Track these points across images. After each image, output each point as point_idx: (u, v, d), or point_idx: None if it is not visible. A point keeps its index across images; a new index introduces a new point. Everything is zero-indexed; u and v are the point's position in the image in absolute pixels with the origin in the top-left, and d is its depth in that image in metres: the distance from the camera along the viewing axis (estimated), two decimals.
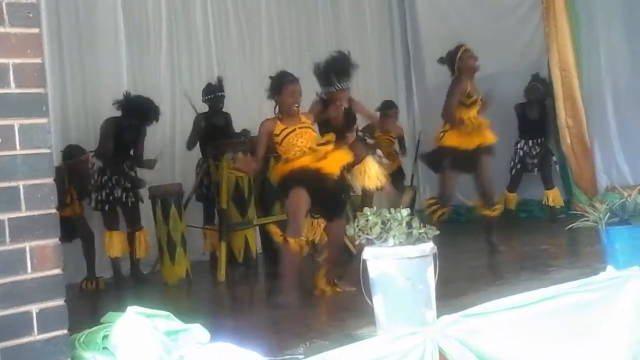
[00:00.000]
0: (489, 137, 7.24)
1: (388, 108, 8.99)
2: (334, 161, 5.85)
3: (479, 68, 7.37)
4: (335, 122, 6.43)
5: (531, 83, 9.13)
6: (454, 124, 7.18)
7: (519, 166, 9.13)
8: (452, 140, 7.20)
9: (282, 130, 5.91)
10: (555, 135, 9.21)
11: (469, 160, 7.15)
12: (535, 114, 9.13)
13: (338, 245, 6.04)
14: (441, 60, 7.59)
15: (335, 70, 6.40)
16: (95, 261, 7.30)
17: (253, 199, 7.59)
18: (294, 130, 5.90)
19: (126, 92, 7.45)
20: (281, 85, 6.00)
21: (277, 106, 6.06)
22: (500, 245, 7.10)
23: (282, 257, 5.78)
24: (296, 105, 5.98)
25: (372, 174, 6.44)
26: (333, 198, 5.86)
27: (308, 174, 5.74)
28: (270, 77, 6.19)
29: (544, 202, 9.07)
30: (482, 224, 7.41)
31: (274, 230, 5.83)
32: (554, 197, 9.02)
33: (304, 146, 5.86)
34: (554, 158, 9.17)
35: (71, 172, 7.19)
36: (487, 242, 7.20)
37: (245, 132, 7.93)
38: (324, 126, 6.48)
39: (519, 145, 9.15)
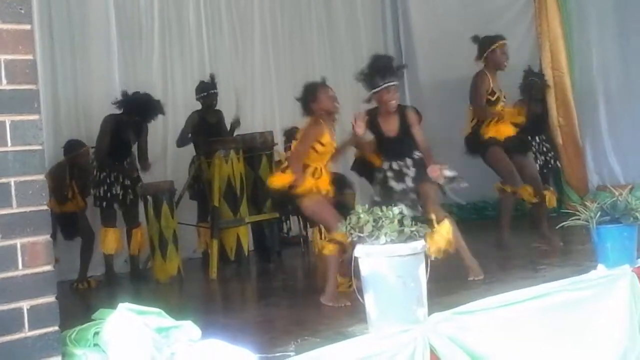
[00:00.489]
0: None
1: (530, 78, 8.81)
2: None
3: (505, 68, 7.25)
4: (388, 133, 5.89)
5: (528, 79, 9.02)
6: (490, 117, 7.11)
7: (539, 163, 8.82)
8: (492, 132, 7.12)
9: (328, 143, 5.59)
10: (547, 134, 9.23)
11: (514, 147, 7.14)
12: (539, 109, 8.96)
13: None
14: (475, 39, 7.37)
15: (377, 68, 5.83)
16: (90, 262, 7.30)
17: (245, 196, 7.59)
18: (332, 146, 5.64)
19: (124, 91, 7.40)
20: (317, 91, 5.64)
21: (317, 114, 5.62)
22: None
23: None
24: (338, 106, 5.68)
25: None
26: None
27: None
28: (298, 98, 5.77)
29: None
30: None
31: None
32: (549, 198, 8.99)
33: (323, 164, 5.62)
34: (558, 159, 9.12)
35: (72, 166, 7.19)
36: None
37: (235, 121, 7.94)
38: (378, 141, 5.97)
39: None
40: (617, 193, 4.99)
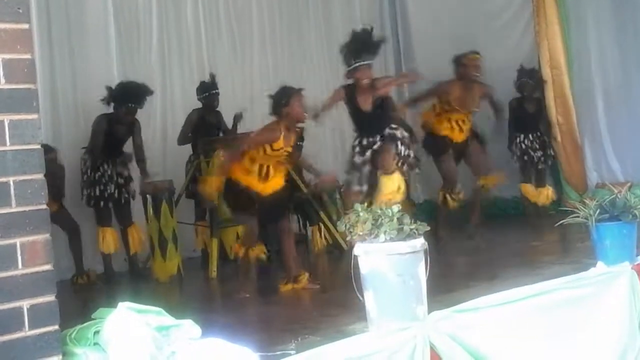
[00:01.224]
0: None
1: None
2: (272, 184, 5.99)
3: (476, 79, 7.44)
4: (363, 107, 6.36)
5: (520, 79, 9.07)
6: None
7: (525, 159, 8.98)
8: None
9: (280, 149, 5.93)
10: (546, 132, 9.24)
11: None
12: (533, 108, 9.04)
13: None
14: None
15: (353, 46, 6.27)
16: (83, 255, 7.27)
17: None
18: (285, 153, 5.99)
19: (107, 87, 7.38)
20: (290, 97, 5.89)
21: (283, 118, 5.93)
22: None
23: None
24: (306, 117, 6.01)
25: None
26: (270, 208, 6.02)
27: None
28: (271, 95, 6.05)
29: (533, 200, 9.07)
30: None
31: None
32: (546, 195, 9.01)
33: (270, 166, 5.97)
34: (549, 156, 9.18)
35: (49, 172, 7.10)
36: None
37: (238, 115, 7.93)
38: (356, 115, 6.43)
39: (518, 140, 9.00)
40: (616, 190, 4.99)
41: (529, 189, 8.94)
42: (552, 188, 9.04)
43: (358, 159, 6.46)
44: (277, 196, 6.04)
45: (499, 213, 9.32)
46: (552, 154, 9.11)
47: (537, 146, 9.02)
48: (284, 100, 5.87)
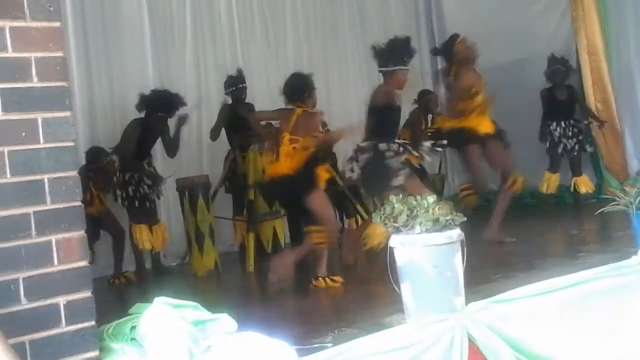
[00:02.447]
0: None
1: (426, 97, 8.89)
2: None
3: (465, 61, 7.21)
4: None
5: (552, 66, 9.00)
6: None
7: (559, 148, 8.96)
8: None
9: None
10: (585, 119, 9.13)
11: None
12: (564, 95, 9.03)
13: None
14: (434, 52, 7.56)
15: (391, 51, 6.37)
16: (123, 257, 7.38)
17: None
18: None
19: (140, 93, 7.40)
20: (313, 88, 6.23)
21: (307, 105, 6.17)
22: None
23: None
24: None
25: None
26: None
27: None
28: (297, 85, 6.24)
29: (572, 190, 8.99)
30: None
31: None
32: (584, 183, 8.92)
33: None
34: (589, 146, 9.06)
35: (98, 175, 7.20)
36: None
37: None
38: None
39: (551, 128, 9.00)
40: None
41: (551, 178, 8.88)
42: (589, 176, 8.96)
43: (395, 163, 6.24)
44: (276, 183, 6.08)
45: (536, 203, 9.24)
46: (589, 141, 9.02)
47: (571, 134, 8.96)
48: (310, 89, 6.18)
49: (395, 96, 6.28)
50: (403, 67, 6.26)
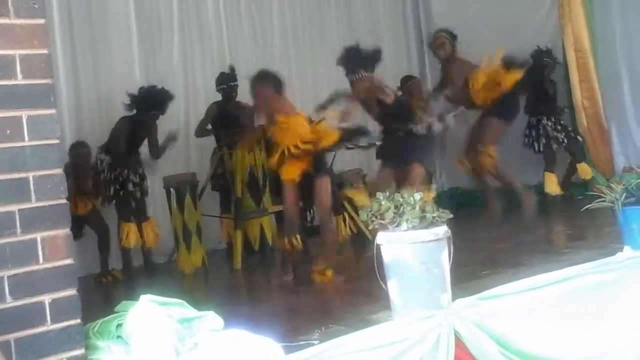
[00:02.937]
0: None
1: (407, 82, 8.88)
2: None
3: (443, 57, 7.28)
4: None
5: (541, 60, 8.99)
6: None
7: (544, 142, 9.00)
8: None
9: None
10: (570, 116, 9.17)
11: None
12: (552, 89, 9.07)
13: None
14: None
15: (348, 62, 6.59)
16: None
17: (268, 187, 7.58)
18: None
19: (129, 93, 7.40)
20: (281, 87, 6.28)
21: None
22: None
23: None
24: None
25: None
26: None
27: None
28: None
29: (582, 177, 8.98)
30: None
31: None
32: (585, 169, 8.94)
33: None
34: (579, 134, 9.08)
35: (75, 169, 7.16)
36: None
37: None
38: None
39: (542, 122, 9.01)
40: None
41: (551, 179, 8.92)
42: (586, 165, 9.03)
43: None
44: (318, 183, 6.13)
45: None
46: (573, 136, 9.04)
47: (559, 127, 9.02)
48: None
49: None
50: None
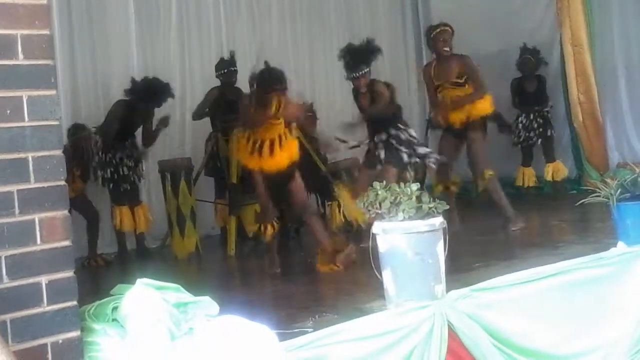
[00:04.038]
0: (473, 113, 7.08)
1: None
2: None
3: (446, 54, 7.11)
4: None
5: (522, 56, 9.15)
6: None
7: (522, 139, 9.16)
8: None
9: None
10: (566, 110, 9.19)
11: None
12: (532, 87, 9.18)
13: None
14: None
15: (348, 60, 6.60)
16: (98, 238, 7.35)
17: None
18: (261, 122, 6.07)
19: (132, 78, 7.38)
20: (269, 91, 6.04)
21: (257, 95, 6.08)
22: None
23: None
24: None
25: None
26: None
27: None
28: (264, 70, 6.19)
29: (545, 177, 9.11)
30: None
31: None
32: (556, 170, 9.03)
33: (268, 137, 6.01)
34: (553, 131, 9.19)
35: (75, 150, 7.15)
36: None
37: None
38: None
39: (519, 119, 9.16)
40: (637, 170, 4.94)
41: (525, 172, 9.11)
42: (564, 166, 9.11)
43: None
44: (285, 175, 6.03)
45: (518, 193, 9.28)
46: (552, 133, 9.17)
47: (536, 125, 9.11)
48: (264, 87, 6.01)
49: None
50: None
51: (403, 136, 6.62)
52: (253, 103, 6.04)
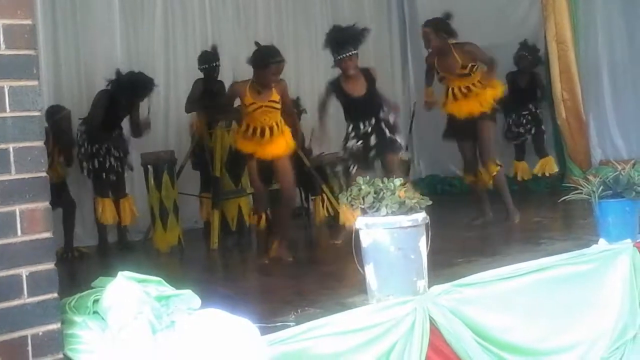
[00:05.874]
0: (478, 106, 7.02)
1: None
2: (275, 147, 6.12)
3: (428, 48, 7.09)
4: (354, 94, 6.50)
5: (519, 52, 9.17)
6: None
7: (508, 135, 9.26)
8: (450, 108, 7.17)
9: (251, 104, 6.11)
10: (549, 107, 9.23)
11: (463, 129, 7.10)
12: (524, 83, 9.22)
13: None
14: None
15: (336, 40, 6.47)
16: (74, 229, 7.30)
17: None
18: (261, 107, 6.10)
19: (117, 70, 7.32)
20: (268, 64, 6.03)
21: (256, 76, 6.14)
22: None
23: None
24: (275, 83, 6.13)
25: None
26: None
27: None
28: (258, 48, 6.21)
29: (536, 172, 9.16)
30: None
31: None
32: (547, 165, 9.07)
33: (267, 123, 6.10)
34: (542, 127, 9.25)
35: (55, 132, 7.08)
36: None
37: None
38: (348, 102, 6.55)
39: (508, 115, 9.19)
40: (619, 167, 4.97)
41: (519, 167, 9.18)
42: (528, 164, 9.25)
43: (354, 144, 6.54)
44: (281, 163, 6.14)
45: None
46: (542, 130, 9.23)
47: (524, 121, 9.20)
48: (262, 62, 6.03)
49: (340, 86, 6.55)
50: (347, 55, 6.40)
51: (391, 120, 6.58)
52: (252, 87, 6.10)
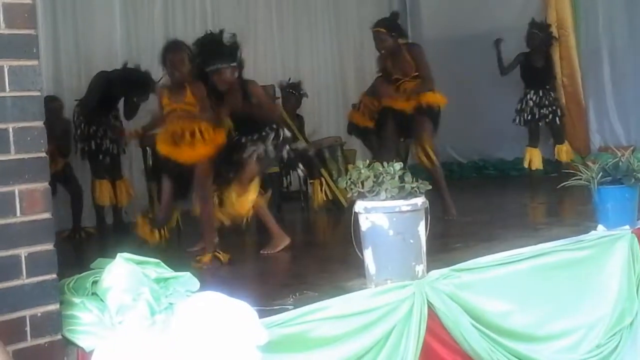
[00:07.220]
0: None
1: None
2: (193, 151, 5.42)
3: (380, 50, 6.66)
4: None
5: (530, 30, 8.90)
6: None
7: (529, 117, 8.85)
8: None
9: (166, 106, 5.56)
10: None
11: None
12: (540, 62, 8.91)
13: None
14: None
15: (205, 51, 5.80)
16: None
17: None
18: (175, 110, 5.51)
19: (125, 62, 7.28)
20: (165, 58, 5.52)
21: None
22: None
23: None
24: (177, 73, 5.49)
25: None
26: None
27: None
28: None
29: (555, 157, 8.87)
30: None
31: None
32: (566, 151, 8.88)
33: (179, 127, 5.41)
34: (563, 110, 9.01)
35: (49, 124, 7.02)
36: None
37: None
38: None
39: (528, 96, 8.88)
40: (619, 154, 4.97)
41: (533, 153, 8.81)
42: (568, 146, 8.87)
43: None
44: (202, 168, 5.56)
45: (499, 174, 9.34)
46: (563, 114, 8.94)
47: (547, 102, 8.85)
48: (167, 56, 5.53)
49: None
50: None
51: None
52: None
